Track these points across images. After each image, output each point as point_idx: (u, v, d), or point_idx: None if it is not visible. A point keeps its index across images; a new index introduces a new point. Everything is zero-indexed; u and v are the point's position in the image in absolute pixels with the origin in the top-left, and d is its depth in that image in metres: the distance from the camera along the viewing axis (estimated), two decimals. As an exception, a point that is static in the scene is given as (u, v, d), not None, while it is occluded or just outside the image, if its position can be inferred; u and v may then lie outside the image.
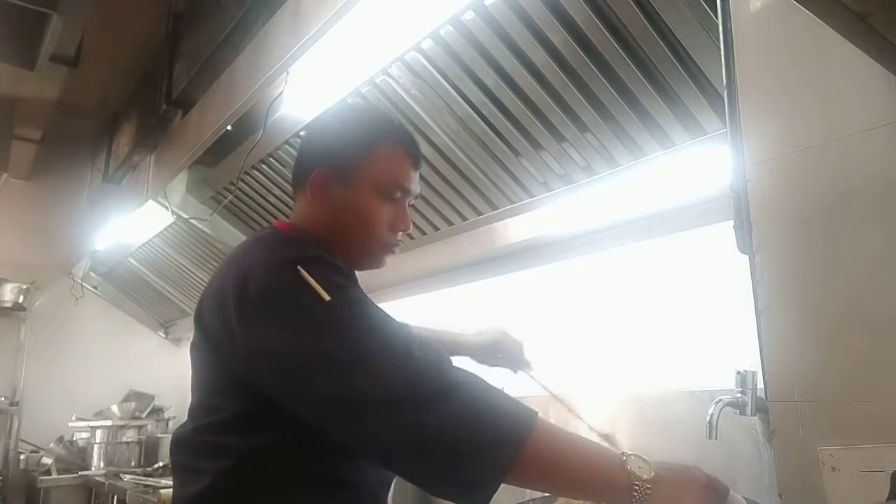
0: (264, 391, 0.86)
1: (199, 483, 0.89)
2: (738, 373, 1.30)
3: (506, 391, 0.81)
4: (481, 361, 1.39)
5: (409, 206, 1.08)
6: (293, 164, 1.11)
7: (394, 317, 0.90)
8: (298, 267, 0.85)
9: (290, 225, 1.07)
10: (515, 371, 1.40)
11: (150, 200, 3.02)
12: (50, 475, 3.64)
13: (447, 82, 1.70)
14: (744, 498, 0.82)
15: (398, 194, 1.04)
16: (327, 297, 0.82)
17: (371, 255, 1.06)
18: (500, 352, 1.39)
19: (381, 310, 0.88)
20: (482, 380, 0.81)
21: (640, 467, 0.75)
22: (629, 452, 0.77)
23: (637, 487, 0.74)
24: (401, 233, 1.07)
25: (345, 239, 1.03)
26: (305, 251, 0.90)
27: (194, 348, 0.98)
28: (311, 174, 1.02)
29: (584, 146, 1.64)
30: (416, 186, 1.07)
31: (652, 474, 0.75)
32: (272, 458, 0.89)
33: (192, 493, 0.90)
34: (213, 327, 0.91)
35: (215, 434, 0.91)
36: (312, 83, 1.89)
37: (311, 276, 0.84)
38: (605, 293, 1.88)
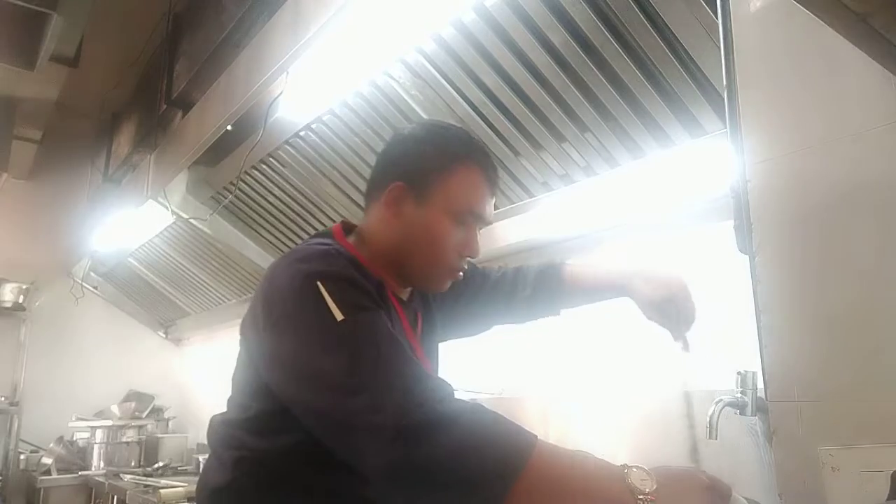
0: (279, 397, 0.88)
1: (220, 475, 0.95)
2: (738, 373, 1.30)
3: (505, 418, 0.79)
4: (650, 314, 1.19)
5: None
6: (371, 169, 1.09)
7: (405, 346, 0.87)
8: (318, 282, 0.85)
9: (350, 230, 1.08)
10: (678, 341, 1.18)
11: (150, 200, 3.02)
12: (50, 475, 3.63)
13: (447, 82, 1.70)
14: (745, 498, 0.82)
15: (471, 220, 1.02)
16: (340, 317, 0.82)
17: (434, 277, 1.04)
18: (672, 309, 1.16)
19: (395, 338, 0.86)
20: (482, 411, 0.79)
21: (642, 480, 0.74)
22: (630, 465, 0.75)
23: (641, 502, 0.72)
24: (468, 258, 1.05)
25: (411, 258, 1.02)
26: (331, 265, 0.89)
27: (237, 360, 1.01)
28: (387, 187, 1.01)
29: (584, 146, 1.64)
30: (490, 213, 1.05)
31: (654, 486, 0.73)
32: (286, 463, 0.91)
33: (213, 484, 0.96)
34: (246, 332, 0.95)
35: (239, 429, 0.95)
36: (312, 83, 1.89)
37: (328, 292, 0.84)
38: (605, 293, 1.88)
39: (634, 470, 0.75)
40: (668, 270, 1.19)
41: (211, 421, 1.03)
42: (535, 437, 0.76)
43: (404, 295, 1.08)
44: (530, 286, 1.28)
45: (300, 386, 0.84)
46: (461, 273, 1.05)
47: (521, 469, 0.72)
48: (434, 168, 1.00)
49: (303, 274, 0.87)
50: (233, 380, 1.01)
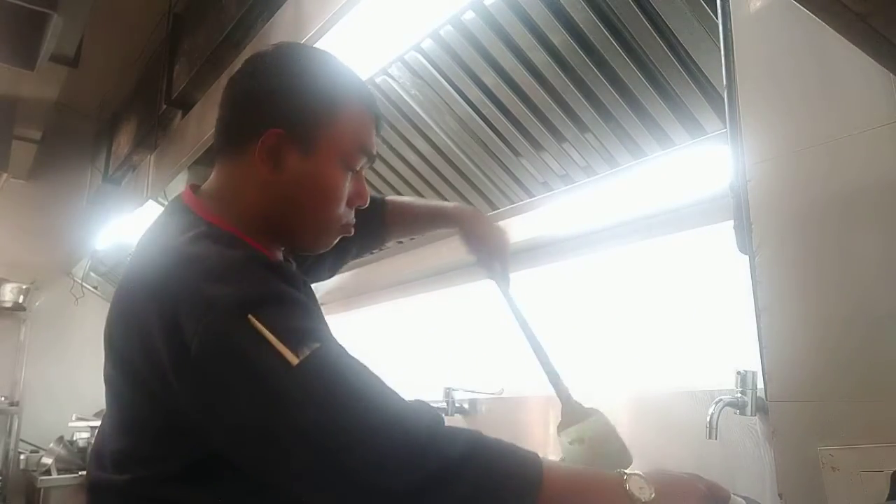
0: (218, 448, 0.71)
1: None
2: (738, 373, 1.30)
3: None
4: (469, 246, 1.25)
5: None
6: (223, 112, 0.88)
7: (368, 366, 0.75)
8: (250, 317, 0.66)
9: (211, 199, 0.85)
10: (493, 278, 1.25)
11: (150, 200, 3.02)
12: (50, 475, 3.63)
13: (447, 82, 1.70)
14: (744, 498, 0.82)
15: (362, 163, 0.88)
16: (294, 360, 0.66)
17: (326, 235, 0.89)
18: (486, 250, 1.23)
19: (358, 361, 0.73)
20: (483, 442, 0.72)
21: (640, 488, 0.73)
22: (628, 472, 0.75)
23: None
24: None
25: (298, 217, 0.85)
26: (252, 283, 0.71)
27: (110, 378, 0.80)
28: (260, 135, 0.82)
29: (584, 146, 1.64)
30: (375, 150, 0.91)
31: (652, 494, 0.73)
32: None
33: None
34: (134, 363, 0.74)
35: (158, 488, 0.74)
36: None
37: (267, 328, 0.66)
38: (605, 293, 1.88)
39: (633, 477, 0.74)
40: (492, 227, 1.25)
41: (97, 484, 0.81)
42: (539, 458, 0.73)
43: (279, 256, 0.91)
44: (359, 217, 1.19)
45: (266, 448, 0.67)
46: (352, 228, 0.91)
47: (537, 499, 0.70)
48: (320, 107, 0.84)
49: (224, 306, 0.67)
50: (114, 421, 0.80)
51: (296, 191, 0.84)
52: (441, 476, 0.67)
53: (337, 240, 0.90)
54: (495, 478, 0.70)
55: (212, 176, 0.89)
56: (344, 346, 0.73)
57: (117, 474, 0.77)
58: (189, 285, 0.70)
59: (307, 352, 0.67)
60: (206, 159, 2.66)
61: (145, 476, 0.74)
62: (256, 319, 0.66)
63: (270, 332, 0.66)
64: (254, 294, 0.69)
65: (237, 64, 2.20)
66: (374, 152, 0.90)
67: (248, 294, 0.69)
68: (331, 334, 0.73)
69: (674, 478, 0.78)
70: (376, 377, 0.73)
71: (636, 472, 0.76)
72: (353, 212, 0.90)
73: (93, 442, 3.64)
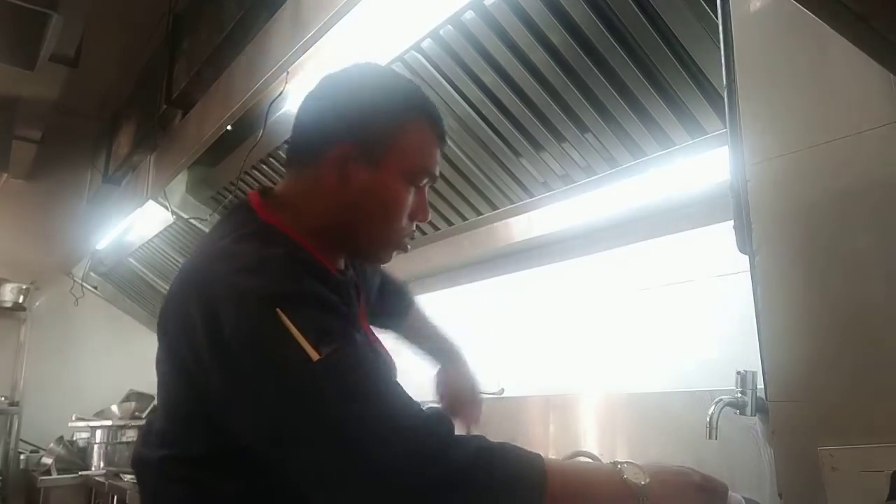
0: (241, 439, 0.74)
1: None
2: (738, 373, 1.30)
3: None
4: (438, 386, 1.28)
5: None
6: (300, 124, 0.93)
7: (390, 371, 0.80)
8: (277, 310, 0.70)
9: (277, 203, 0.89)
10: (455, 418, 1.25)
11: (150, 200, 3.02)
12: (50, 475, 3.64)
13: (447, 82, 1.70)
14: (744, 497, 0.83)
15: (425, 179, 0.91)
16: (314, 356, 0.68)
17: (385, 247, 0.93)
18: (461, 402, 1.26)
19: (377, 364, 0.76)
20: (490, 450, 0.73)
21: (635, 474, 0.75)
22: (622, 462, 0.77)
23: (638, 496, 0.74)
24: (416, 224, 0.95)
25: (361, 227, 0.89)
26: (286, 278, 0.75)
27: (160, 364, 0.86)
28: (331, 146, 0.86)
29: (584, 146, 1.64)
30: (438, 170, 0.94)
31: (647, 479, 0.75)
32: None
33: None
34: (180, 350, 0.79)
35: (187, 468, 0.79)
36: (312, 83, 1.88)
37: (293, 323, 0.69)
38: (605, 293, 1.88)
39: (626, 465, 0.76)
40: (465, 382, 1.28)
41: (140, 458, 0.87)
42: (542, 459, 0.74)
43: (340, 265, 0.95)
44: (392, 308, 1.29)
45: (282, 440, 0.71)
46: (410, 241, 0.94)
47: (543, 499, 0.71)
48: (388, 124, 0.88)
49: (255, 298, 0.72)
50: (161, 401, 0.86)
51: (361, 202, 0.87)
52: (452, 480, 0.68)
53: (395, 253, 0.94)
54: (504, 482, 0.71)
55: (281, 183, 0.93)
56: (370, 351, 0.76)
57: (154, 451, 0.83)
58: (226, 278, 0.75)
59: (329, 349, 0.69)
60: (205, 159, 2.66)
61: (174, 455, 0.80)
62: (283, 313, 0.69)
63: (295, 327, 0.69)
64: (284, 289, 0.73)
65: (238, 64, 2.21)
66: (437, 171, 0.93)
67: (279, 289, 0.72)
68: (356, 338, 0.74)
69: (668, 467, 0.80)
70: (396, 383, 0.75)
71: (630, 461, 0.78)
72: (412, 226, 0.93)
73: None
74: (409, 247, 0.95)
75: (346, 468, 0.67)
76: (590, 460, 1.68)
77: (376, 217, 0.89)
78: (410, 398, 0.74)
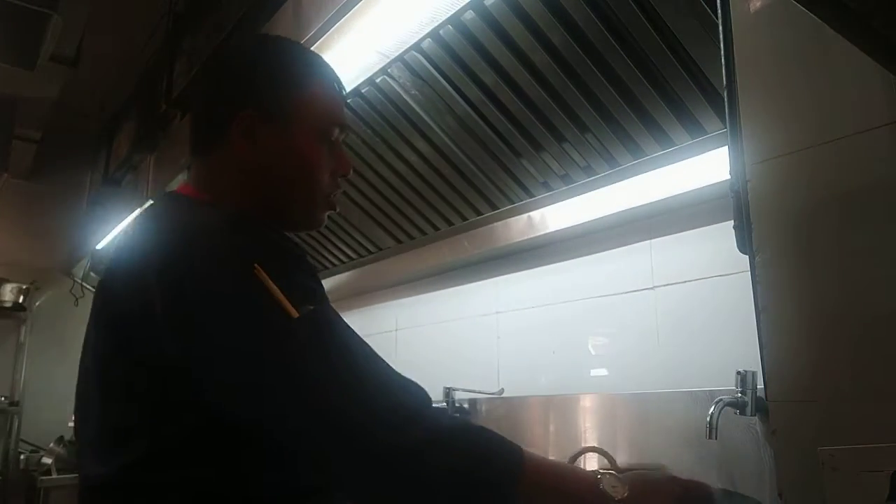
0: (216, 409, 0.70)
1: None
2: (738, 373, 1.30)
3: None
4: None
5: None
6: (195, 108, 0.91)
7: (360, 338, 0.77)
8: (256, 266, 0.68)
9: (201, 190, 0.86)
10: None
11: (150, 201, 3.02)
12: (50, 475, 3.64)
13: (447, 82, 1.70)
14: (745, 496, 0.83)
15: (336, 133, 0.90)
16: (294, 314, 0.67)
17: (314, 210, 0.90)
18: None
19: (355, 334, 0.75)
20: (470, 424, 0.76)
21: (613, 487, 0.75)
22: (603, 472, 0.77)
23: None
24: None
25: (285, 193, 0.86)
26: (259, 239, 0.73)
27: (91, 372, 0.79)
28: (231, 120, 0.84)
29: (584, 146, 1.64)
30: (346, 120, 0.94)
31: (626, 493, 0.75)
32: (235, 490, 0.72)
33: None
34: (130, 340, 0.73)
35: (156, 471, 0.71)
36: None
37: (272, 279, 0.67)
38: (605, 293, 1.88)
39: (607, 476, 0.76)
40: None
41: (92, 486, 0.77)
42: (521, 447, 0.75)
43: None
44: None
45: (263, 400, 0.68)
46: (336, 201, 0.92)
47: (517, 480, 0.72)
48: (285, 82, 0.87)
49: (232, 256, 0.70)
50: (93, 403, 0.78)
51: (277, 166, 0.85)
52: (433, 440, 0.69)
53: (326, 216, 0.92)
54: (482, 454, 0.72)
55: (192, 175, 0.90)
56: (333, 307, 0.74)
57: (106, 466, 0.74)
58: (192, 243, 0.72)
59: (307, 309, 0.68)
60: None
61: (138, 458, 0.71)
62: (262, 268, 0.68)
63: (274, 282, 0.67)
64: (259, 246, 0.72)
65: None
66: (346, 121, 0.93)
67: (254, 246, 0.71)
68: (328, 303, 0.74)
69: (649, 479, 0.81)
70: (370, 349, 0.74)
71: (611, 471, 0.78)
72: (337, 183, 0.92)
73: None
74: (337, 206, 0.93)
75: (329, 425, 0.66)
76: (599, 455, 1.68)
77: (297, 178, 0.87)
78: (387, 363, 0.74)
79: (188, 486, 0.71)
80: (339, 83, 0.93)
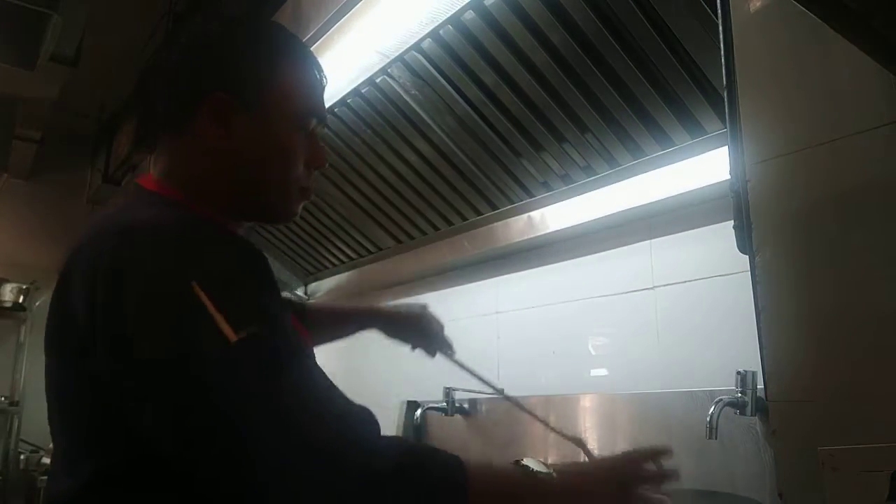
0: (149, 440, 0.65)
1: None
2: (738, 373, 1.30)
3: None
4: (395, 336, 1.24)
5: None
6: (153, 93, 0.84)
7: (313, 363, 0.72)
8: (194, 285, 0.62)
9: (165, 182, 0.81)
10: (433, 354, 1.26)
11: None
12: (50, 475, 3.63)
13: (447, 82, 1.70)
14: (744, 497, 0.83)
15: (314, 122, 0.85)
16: (231, 337, 0.61)
17: (287, 201, 0.85)
18: (418, 329, 1.24)
19: (301, 351, 0.69)
20: (415, 453, 0.70)
21: (537, 471, 0.80)
22: (522, 463, 0.82)
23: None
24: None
25: (255, 182, 0.81)
26: (210, 251, 0.68)
27: (52, 377, 0.75)
28: (205, 102, 0.78)
29: (584, 146, 1.64)
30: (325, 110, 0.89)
31: (553, 475, 0.79)
32: None
33: None
34: (70, 339, 0.69)
35: (106, 489, 0.67)
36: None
37: (210, 299, 0.62)
38: (605, 293, 1.88)
39: (530, 466, 0.80)
40: (408, 307, 1.26)
41: (56, 499, 0.72)
42: (460, 461, 0.71)
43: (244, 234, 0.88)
44: None
45: (189, 428, 0.62)
46: (310, 193, 0.87)
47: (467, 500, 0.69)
48: (261, 65, 0.81)
49: (170, 273, 0.64)
50: (63, 416, 0.73)
51: (249, 154, 0.80)
52: (377, 480, 0.64)
53: (299, 208, 0.86)
54: (429, 485, 0.68)
55: (163, 160, 0.84)
56: (291, 333, 0.69)
57: (71, 479, 0.70)
58: (136, 251, 0.67)
59: (247, 333, 0.62)
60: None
61: (90, 478, 0.68)
62: (200, 289, 0.62)
63: (211, 303, 0.62)
64: (202, 263, 0.66)
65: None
66: (325, 112, 0.88)
67: (196, 262, 0.65)
68: (280, 316, 0.68)
69: (585, 468, 0.87)
70: (320, 369, 0.69)
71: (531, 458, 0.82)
72: (311, 175, 0.87)
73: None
74: (311, 195, 0.88)
75: (258, 454, 0.60)
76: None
77: (270, 168, 0.81)
78: (334, 387, 0.69)
79: None
80: (321, 72, 0.87)
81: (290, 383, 0.64)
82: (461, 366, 1.26)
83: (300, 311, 1.16)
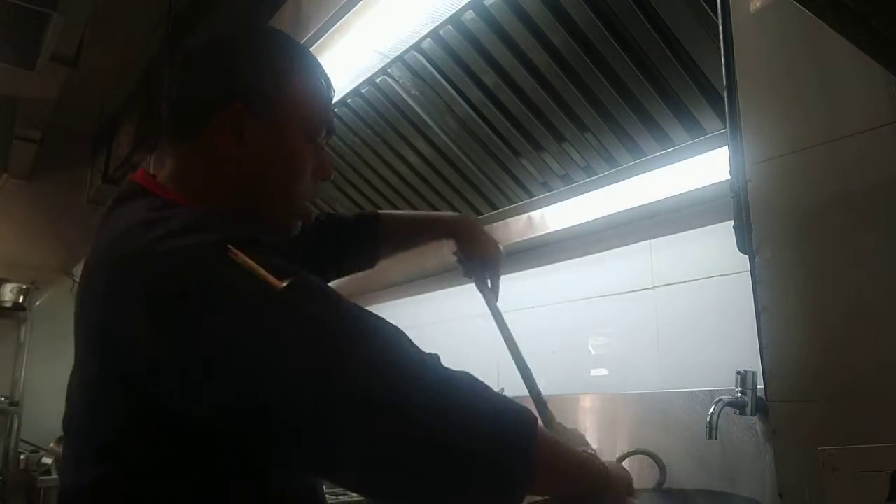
0: (203, 418, 0.65)
1: None
2: (738, 373, 1.30)
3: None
4: (459, 260, 1.30)
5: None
6: (170, 96, 0.85)
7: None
8: (230, 248, 0.63)
9: (171, 185, 0.81)
10: (481, 290, 1.29)
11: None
12: (50, 475, 3.63)
13: (447, 82, 1.70)
14: (744, 497, 0.83)
15: (322, 132, 0.87)
16: (278, 285, 0.62)
17: (292, 212, 0.86)
18: (481, 261, 1.28)
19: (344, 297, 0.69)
20: (484, 385, 0.70)
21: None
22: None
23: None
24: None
25: (263, 192, 0.82)
26: (229, 228, 0.69)
27: (77, 371, 0.79)
28: (220, 111, 0.79)
29: (584, 146, 1.64)
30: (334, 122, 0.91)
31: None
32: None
33: None
34: (105, 341, 0.71)
35: (129, 484, 0.68)
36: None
37: (249, 256, 0.63)
38: (604, 293, 1.88)
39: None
40: (488, 237, 1.31)
41: (72, 490, 0.75)
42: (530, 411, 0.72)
43: None
44: (351, 232, 1.25)
45: (260, 384, 0.61)
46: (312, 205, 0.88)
47: (534, 446, 0.67)
48: (276, 78, 0.82)
49: (204, 248, 0.65)
50: (85, 421, 0.77)
51: (260, 163, 0.81)
52: (445, 390, 0.65)
53: (298, 225, 0.87)
54: (491, 407, 0.68)
55: (167, 165, 0.84)
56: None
57: (94, 470, 0.71)
58: (163, 244, 0.66)
59: (291, 279, 0.63)
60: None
61: (114, 470, 0.69)
62: (238, 251, 0.63)
63: (253, 259, 0.63)
64: (231, 234, 0.66)
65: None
66: (333, 123, 0.90)
67: (226, 234, 0.66)
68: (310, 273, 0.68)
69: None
70: (364, 310, 0.69)
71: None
72: (316, 187, 0.89)
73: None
74: (311, 216, 0.90)
75: (343, 402, 0.60)
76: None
77: (280, 177, 0.82)
78: (387, 322, 0.69)
79: (163, 498, 0.67)
80: (329, 83, 0.89)
81: (341, 313, 0.66)
82: (497, 319, 1.28)
83: (372, 221, 1.25)
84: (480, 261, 1.28)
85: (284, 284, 0.62)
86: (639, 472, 1.48)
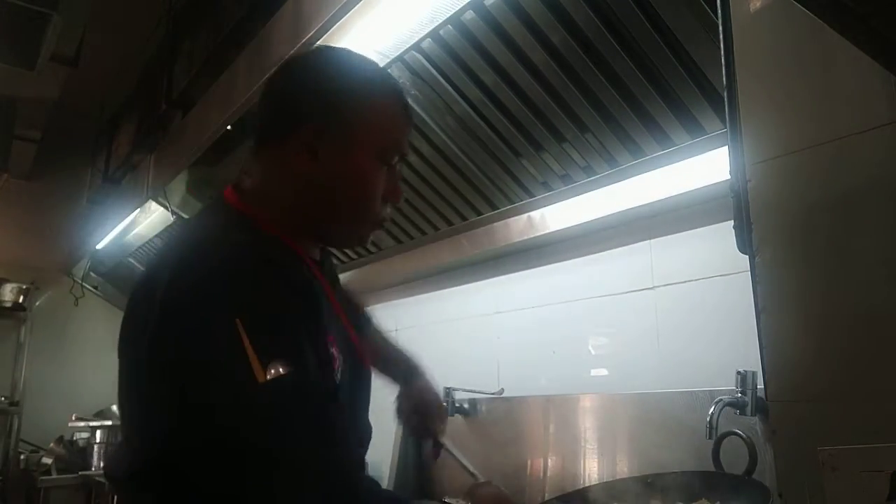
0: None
1: None
2: (738, 373, 1.30)
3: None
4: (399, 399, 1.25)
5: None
6: (262, 110, 0.91)
7: (337, 402, 0.80)
8: (237, 321, 0.69)
9: (250, 195, 0.88)
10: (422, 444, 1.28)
11: (150, 200, 3.02)
12: (50, 475, 3.64)
13: (447, 82, 1.70)
14: (752, 479, 0.83)
15: (396, 157, 0.90)
16: (260, 378, 0.67)
17: (360, 230, 0.91)
18: (421, 417, 1.24)
19: (315, 406, 0.74)
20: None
21: None
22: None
23: None
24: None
25: (335, 209, 0.87)
26: (252, 287, 0.74)
27: (126, 362, 0.87)
28: (299, 129, 0.84)
29: (584, 146, 1.64)
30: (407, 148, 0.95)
31: None
32: None
33: None
34: (137, 338, 0.78)
35: (165, 478, 0.76)
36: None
37: (248, 336, 0.68)
38: (604, 293, 1.88)
39: None
40: (430, 396, 1.25)
41: (121, 472, 0.83)
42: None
43: (317, 255, 0.94)
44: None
45: (218, 452, 0.70)
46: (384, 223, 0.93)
47: None
48: (357, 102, 0.86)
49: (217, 306, 0.71)
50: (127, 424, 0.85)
51: (333, 183, 0.85)
52: None
53: (371, 235, 0.93)
54: None
55: (253, 174, 0.90)
56: (319, 377, 0.75)
57: (145, 455, 0.79)
58: (197, 279, 0.74)
59: (277, 373, 0.68)
60: (206, 158, 2.66)
61: (143, 466, 0.77)
62: (241, 324, 0.68)
63: (249, 340, 0.68)
64: (249, 301, 0.72)
65: (238, 64, 2.21)
66: (407, 149, 0.94)
67: (244, 300, 0.72)
68: (311, 360, 0.74)
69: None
70: (339, 415, 0.78)
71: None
72: (387, 208, 0.92)
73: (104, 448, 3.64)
74: (383, 225, 0.93)
75: (262, 492, 0.68)
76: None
77: (351, 198, 0.87)
78: (346, 437, 0.77)
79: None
80: (408, 106, 0.92)
81: (297, 430, 0.71)
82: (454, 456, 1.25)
83: (366, 324, 1.24)
84: (421, 418, 1.24)
85: (262, 381, 0.67)
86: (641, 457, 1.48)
